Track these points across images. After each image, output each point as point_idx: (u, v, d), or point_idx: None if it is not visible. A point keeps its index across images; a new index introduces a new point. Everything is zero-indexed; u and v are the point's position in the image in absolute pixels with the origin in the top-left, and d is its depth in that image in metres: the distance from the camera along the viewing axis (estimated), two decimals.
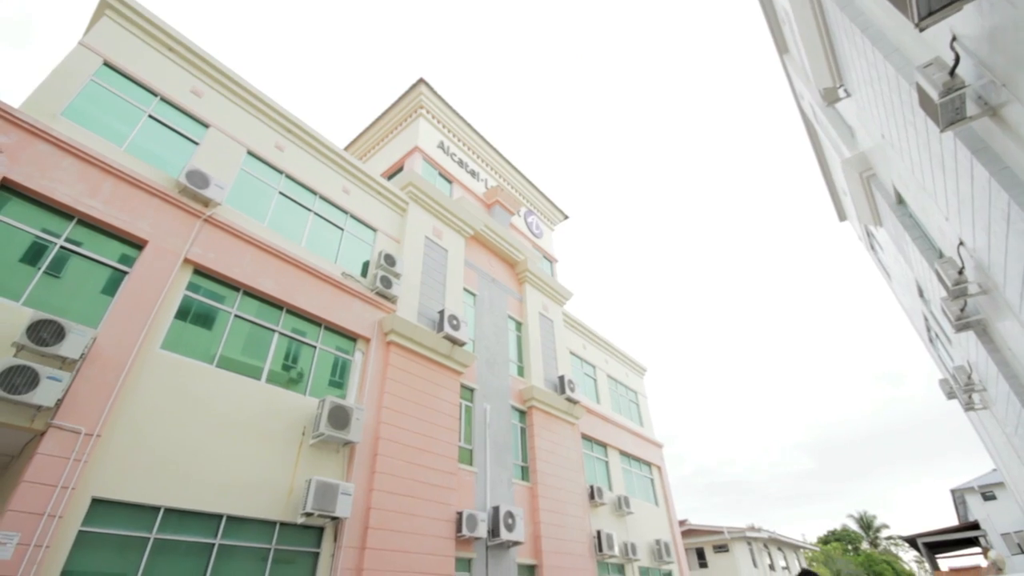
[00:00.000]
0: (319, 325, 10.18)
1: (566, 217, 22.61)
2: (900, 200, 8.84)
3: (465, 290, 14.67)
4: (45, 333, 6.12)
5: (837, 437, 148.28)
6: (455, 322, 12.40)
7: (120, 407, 6.82)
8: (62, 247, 7.19)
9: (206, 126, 9.77)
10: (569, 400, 16.09)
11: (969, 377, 9.88)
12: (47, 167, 7.17)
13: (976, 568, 23.66)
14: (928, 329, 12.74)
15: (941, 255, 7.70)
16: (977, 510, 23.38)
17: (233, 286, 8.99)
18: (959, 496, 25.68)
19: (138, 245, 7.91)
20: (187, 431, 7.40)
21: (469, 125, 18.19)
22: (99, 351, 6.76)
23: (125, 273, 7.63)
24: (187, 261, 8.31)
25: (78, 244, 7.36)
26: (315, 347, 9.95)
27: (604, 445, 18.24)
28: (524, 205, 20.58)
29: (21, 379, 5.76)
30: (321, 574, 8.23)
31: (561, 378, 16.34)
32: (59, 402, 6.15)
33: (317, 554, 8.37)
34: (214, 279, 8.78)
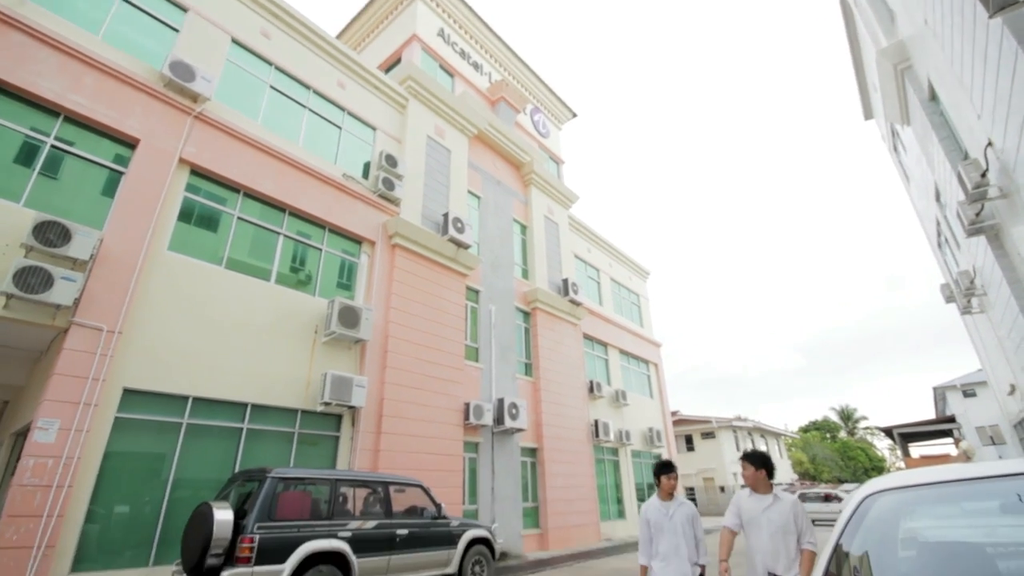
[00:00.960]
0: (323, 228, 10.16)
1: (574, 115, 21.48)
2: (933, 96, 8.28)
3: (469, 192, 14.39)
4: (51, 234, 6.17)
5: (831, 339, 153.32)
6: (460, 225, 12.33)
7: (137, 306, 7.06)
8: (54, 147, 6.99)
9: (184, 9, 8.98)
10: (572, 302, 16.48)
11: (971, 282, 9.97)
12: (24, 59, 6.74)
13: (946, 456, 25.59)
14: (939, 234, 12.62)
15: (966, 156, 7.40)
16: (956, 406, 24.67)
17: (233, 187, 8.84)
18: (940, 393, 27.02)
19: (130, 144, 7.67)
20: (204, 329, 7.73)
21: (471, 8, 16.63)
22: (108, 252, 6.85)
23: (121, 174, 7.49)
24: (183, 161, 8.10)
25: (70, 143, 7.14)
26: (321, 250, 10.02)
27: (604, 344, 19.00)
28: (530, 102, 19.47)
29: (36, 279, 5.91)
30: (342, 453, 9.07)
31: (565, 281, 16.59)
32: (77, 301, 6.36)
33: (337, 437, 9.15)
34: (213, 180, 8.61)
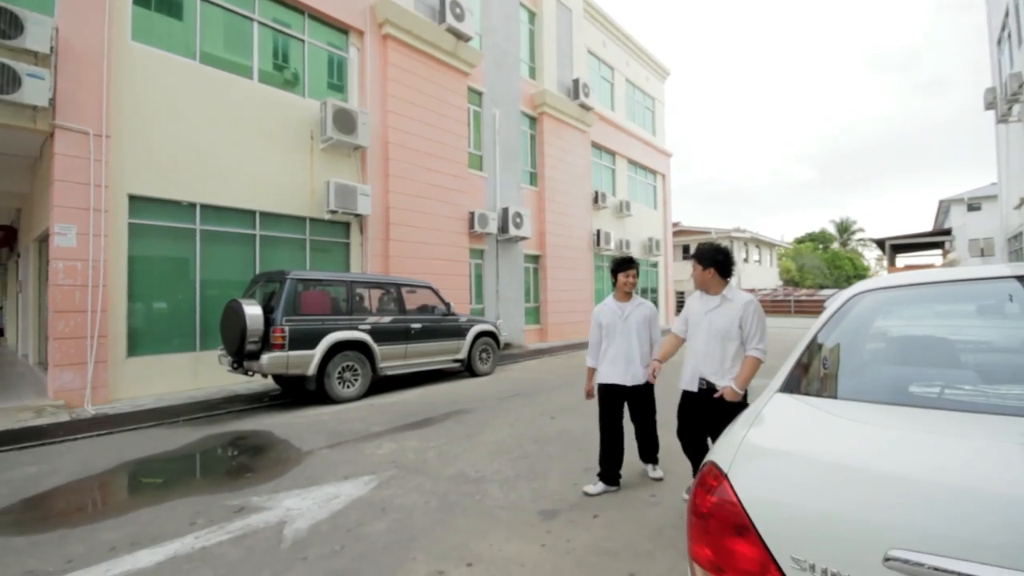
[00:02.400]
0: (302, 13, 8.92)
1: None
2: None
3: None
4: (1, 23, 5.49)
5: (845, 146, 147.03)
6: (458, 10, 10.80)
7: (116, 108, 6.62)
8: None
9: None
10: (582, 107, 15.38)
11: (1020, 86, 9.23)
12: None
13: (930, 266, 26.76)
14: (1003, 28, 11.25)
15: None
16: (956, 219, 24.70)
17: None
18: (945, 206, 26.90)
19: None
20: (192, 132, 7.37)
21: None
22: (68, 44, 6.15)
23: None
24: None
25: None
26: (303, 41, 8.97)
27: (613, 153, 18.35)
28: None
29: (1, 77, 5.44)
30: (354, 259, 9.55)
31: (576, 81, 15.23)
32: (52, 102, 5.96)
33: (347, 244, 9.52)
34: None
